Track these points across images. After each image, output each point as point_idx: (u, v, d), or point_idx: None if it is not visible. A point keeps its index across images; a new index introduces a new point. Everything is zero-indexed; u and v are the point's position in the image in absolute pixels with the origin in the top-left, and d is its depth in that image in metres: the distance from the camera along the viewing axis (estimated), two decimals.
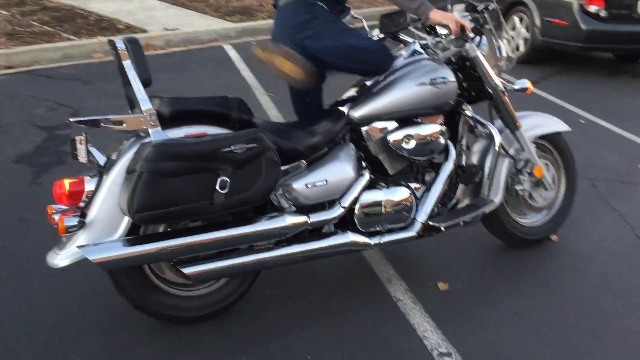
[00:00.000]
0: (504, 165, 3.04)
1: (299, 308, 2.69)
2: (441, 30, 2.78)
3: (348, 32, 2.71)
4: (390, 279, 2.94)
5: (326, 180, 2.54)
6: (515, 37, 7.55)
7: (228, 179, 2.20)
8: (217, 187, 2.18)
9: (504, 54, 3.02)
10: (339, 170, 2.59)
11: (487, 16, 2.92)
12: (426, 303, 2.76)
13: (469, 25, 2.74)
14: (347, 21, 2.93)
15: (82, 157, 2.15)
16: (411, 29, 2.98)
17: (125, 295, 2.33)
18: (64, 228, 2.13)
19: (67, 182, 2.18)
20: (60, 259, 2.15)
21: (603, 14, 6.63)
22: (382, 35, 3.03)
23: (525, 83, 3.03)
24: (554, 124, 3.25)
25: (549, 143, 3.29)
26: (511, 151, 3.07)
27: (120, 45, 2.19)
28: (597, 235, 3.51)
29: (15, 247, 3.01)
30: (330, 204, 2.60)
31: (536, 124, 3.18)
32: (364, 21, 3.14)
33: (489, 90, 2.92)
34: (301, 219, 2.48)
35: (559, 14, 6.89)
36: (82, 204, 2.21)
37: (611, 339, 2.60)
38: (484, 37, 2.96)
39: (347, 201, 2.59)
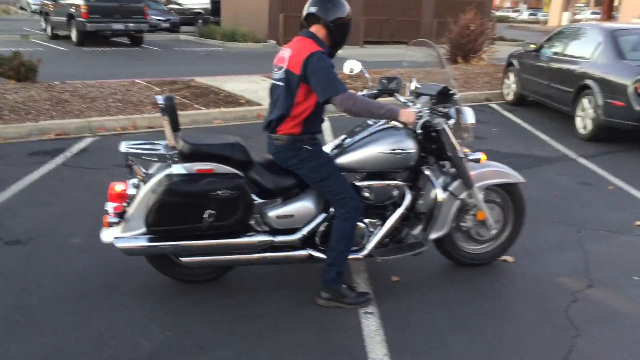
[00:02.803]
0: (453, 207, 3.85)
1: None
2: (398, 125, 3.50)
3: (330, 176, 3.47)
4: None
5: (292, 215, 3.56)
6: (584, 117, 8.23)
7: (214, 212, 3.33)
8: (205, 216, 3.34)
9: (469, 124, 3.77)
10: (303, 208, 3.58)
11: (458, 99, 3.77)
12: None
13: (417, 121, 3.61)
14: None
15: (131, 174, 3.56)
16: (397, 95, 3.99)
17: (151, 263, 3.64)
18: (107, 223, 3.46)
19: (116, 187, 3.49)
20: (103, 236, 3.45)
21: None
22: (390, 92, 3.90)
23: (479, 155, 3.85)
24: (509, 176, 4.01)
25: (503, 190, 4.07)
26: (461, 196, 3.86)
27: (160, 100, 3.48)
28: (552, 266, 4.25)
29: None
30: (295, 230, 3.57)
31: (493, 175, 3.97)
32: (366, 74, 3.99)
33: (450, 155, 3.75)
34: (268, 238, 3.52)
35: (617, 96, 7.56)
36: (125, 204, 3.48)
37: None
38: (452, 111, 3.76)
39: (307, 229, 3.56)
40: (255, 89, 10.10)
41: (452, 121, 3.76)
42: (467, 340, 3.30)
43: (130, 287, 3.72)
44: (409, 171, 3.79)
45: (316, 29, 3.46)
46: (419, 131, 3.70)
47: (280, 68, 3.47)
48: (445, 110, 3.73)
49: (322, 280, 3.54)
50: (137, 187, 3.50)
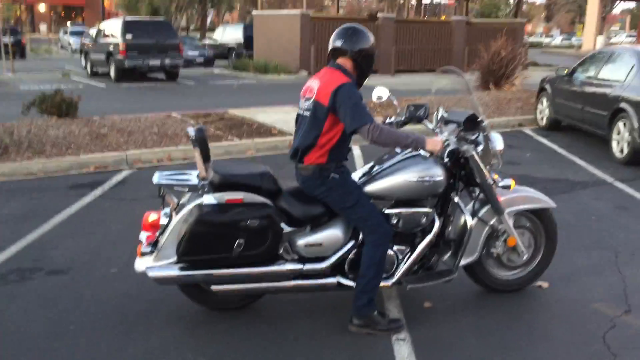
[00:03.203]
0: (483, 233, 3.85)
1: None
2: (425, 153, 3.60)
3: (358, 202, 3.49)
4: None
5: (321, 244, 3.59)
6: (620, 141, 8.12)
7: (244, 241, 3.41)
8: (235, 246, 3.41)
9: (498, 150, 3.81)
10: (332, 236, 3.60)
11: (485, 125, 3.81)
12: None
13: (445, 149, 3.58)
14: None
15: (164, 204, 3.65)
16: (425, 122, 4.03)
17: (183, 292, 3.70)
18: (140, 253, 3.55)
19: (149, 217, 3.62)
20: (138, 266, 3.53)
21: None
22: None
23: (509, 181, 3.86)
24: (540, 201, 3.99)
25: (535, 215, 4.04)
26: (491, 222, 3.86)
27: (191, 132, 3.56)
28: (589, 291, 4.17)
29: None
30: (324, 258, 3.59)
31: (524, 201, 3.95)
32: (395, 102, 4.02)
33: (479, 181, 3.76)
34: (297, 267, 3.55)
35: None
36: (157, 233, 3.56)
37: None
38: (481, 138, 3.79)
39: (335, 258, 3.58)
40: (287, 119, 10.23)
41: (480, 147, 3.77)
42: (497, 354, 3.27)
43: (165, 314, 3.79)
44: (437, 198, 3.78)
45: (343, 61, 3.54)
46: (446, 159, 3.69)
47: (309, 99, 3.53)
48: (474, 137, 3.75)
49: (354, 307, 3.55)
50: (169, 216, 3.59)
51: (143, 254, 3.54)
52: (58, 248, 4.85)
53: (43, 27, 48.68)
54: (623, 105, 8.03)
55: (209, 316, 3.76)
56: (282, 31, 21.95)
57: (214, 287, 3.57)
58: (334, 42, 3.54)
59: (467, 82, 4.05)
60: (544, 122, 10.64)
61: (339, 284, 3.63)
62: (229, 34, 27.29)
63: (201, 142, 3.53)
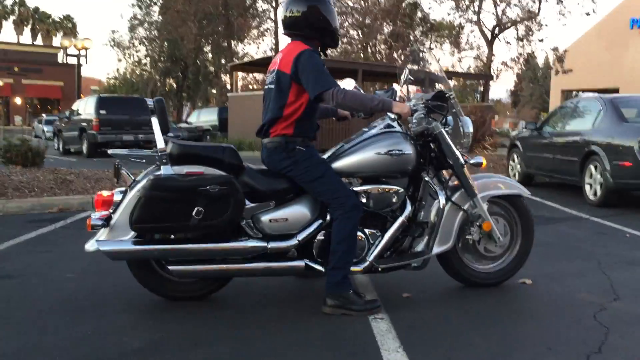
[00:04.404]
0: (457, 218, 3.65)
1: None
2: (392, 115, 3.54)
3: (324, 175, 3.33)
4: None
5: (286, 219, 3.36)
6: (592, 184, 8.12)
7: (202, 209, 3.12)
8: (193, 214, 3.12)
9: (468, 132, 3.72)
10: (298, 212, 3.38)
11: (454, 102, 3.71)
12: None
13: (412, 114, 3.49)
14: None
15: (117, 177, 3.39)
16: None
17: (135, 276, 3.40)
18: (90, 225, 3.24)
19: (103, 193, 3.37)
20: (88, 246, 3.24)
21: None
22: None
23: (480, 159, 3.79)
24: (514, 187, 3.89)
25: (509, 203, 3.89)
26: (465, 206, 3.68)
27: (150, 102, 3.35)
28: (575, 287, 3.95)
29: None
30: (290, 236, 3.36)
31: (496, 186, 3.83)
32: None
33: (450, 162, 3.63)
34: (261, 244, 3.29)
35: (624, 157, 7.50)
36: (110, 210, 3.30)
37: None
38: (450, 118, 3.70)
39: (302, 236, 3.34)
40: None
41: (449, 127, 3.65)
42: (486, 336, 3.02)
43: (120, 303, 3.48)
44: (407, 178, 3.63)
45: (301, 33, 3.44)
46: (415, 138, 3.58)
47: (272, 71, 3.45)
48: (442, 114, 3.57)
49: (327, 286, 3.29)
50: (124, 193, 3.34)
51: (94, 227, 3.23)
52: (11, 260, 4.52)
53: (18, 119, 48.84)
54: (594, 148, 8.08)
55: (169, 304, 3.45)
56: (256, 110, 22.21)
57: (171, 268, 3.27)
58: (284, 14, 3.44)
59: (434, 56, 4.02)
60: (516, 178, 10.64)
61: (307, 266, 3.36)
62: (204, 116, 27.67)
63: (160, 113, 3.33)
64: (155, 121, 3.30)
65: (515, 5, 28.28)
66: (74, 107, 20.20)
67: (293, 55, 3.32)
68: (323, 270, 3.35)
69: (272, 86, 3.42)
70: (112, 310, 3.35)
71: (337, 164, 3.48)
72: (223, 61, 33.40)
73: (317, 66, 3.28)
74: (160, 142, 3.29)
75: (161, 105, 3.37)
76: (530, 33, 28.52)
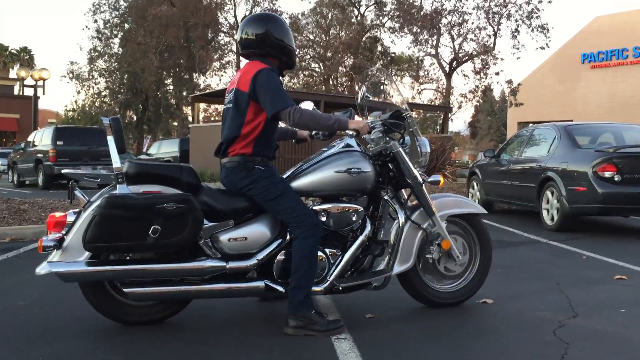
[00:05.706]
0: (417, 237, 3.66)
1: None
2: (351, 132, 3.43)
3: (284, 194, 3.31)
4: None
5: (245, 238, 3.30)
6: (549, 209, 8.29)
7: (159, 227, 3.04)
8: (150, 232, 3.04)
9: (425, 152, 3.78)
10: (257, 231, 3.33)
11: (411, 121, 3.74)
12: None
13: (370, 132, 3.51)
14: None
15: (71, 198, 3.29)
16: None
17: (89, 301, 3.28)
18: (42, 247, 3.11)
19: (55, 214, 3.24)
20: (39, 269, 3.11)
21: (617, 178, 7.38)
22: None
23: (437, 177, 3.84)
24: (469, 207, 3.93)
25: (466, 222, 3.93)
26: (424, 225, 3.69)
27: (106, 121, 3.28)
28: (534, 305, 3.99)
29: None
30: (249, 255, 3.31)
31: (453, 205, 3.87)
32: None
33: (409, 181, 3.65)
34: (220, 264, 3.23)
35: (579, 182, 7.69)
36: (63, 232, 3.17)
37: None
38: (407, 138, 3.77)
39: (261, 255, 3.30)
40: None
41: (407, 147, 3.71)
42: (448, 352, 3.01)
43: (75, 329, 3.36)
44: (367, 197, 3.65)
45: (258, 54, 3.48)
46: (374, 158, 3.61)
47: (231, 91, 3.45)
48: (400, 133, 3.62)
49: (289, 307, 3.25)
50: (77, 214, 3.23)
51: (45, 249, 3.11)
52: None
53: None
54: (550, 174, 8.27)
55: (125, 329, 3.35)
56: (218, 141, 22.17)
57: (127, 290, 3.17)
58: (241, 38, 3.49)
59: (389, 75, 4.08)
60: None
61: (268, 287, 3.31)
62: (165, 148, 27.39)
63: (116, 132, 3.24)
64: (111, 140, 3.22)
65: (472, 39, 29.12)
66: (30, 138, 19.74)
67: (251, 74, 3.33)
68: (283, 290, 3.31)
69: (230, 105, 3.41)
70: (66, 337, 3.23)
71: (297, 183, 3.48)
72: (184, 93, 33.28)
73: (275, 85, 3.30)
74: (116, 162, 3.21)
75: (117, 124, 3.30)
76: (487, 66, 29.31)
